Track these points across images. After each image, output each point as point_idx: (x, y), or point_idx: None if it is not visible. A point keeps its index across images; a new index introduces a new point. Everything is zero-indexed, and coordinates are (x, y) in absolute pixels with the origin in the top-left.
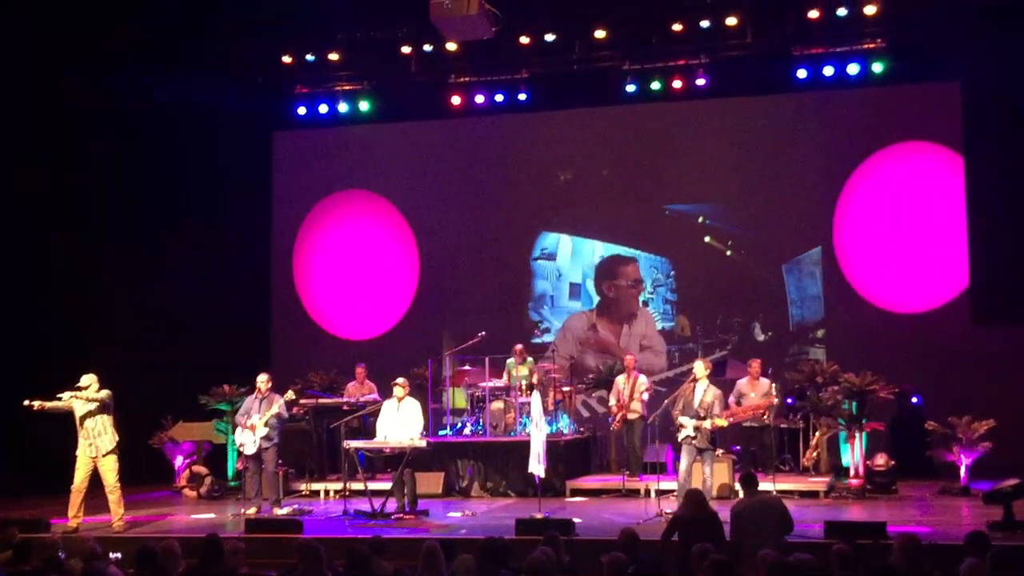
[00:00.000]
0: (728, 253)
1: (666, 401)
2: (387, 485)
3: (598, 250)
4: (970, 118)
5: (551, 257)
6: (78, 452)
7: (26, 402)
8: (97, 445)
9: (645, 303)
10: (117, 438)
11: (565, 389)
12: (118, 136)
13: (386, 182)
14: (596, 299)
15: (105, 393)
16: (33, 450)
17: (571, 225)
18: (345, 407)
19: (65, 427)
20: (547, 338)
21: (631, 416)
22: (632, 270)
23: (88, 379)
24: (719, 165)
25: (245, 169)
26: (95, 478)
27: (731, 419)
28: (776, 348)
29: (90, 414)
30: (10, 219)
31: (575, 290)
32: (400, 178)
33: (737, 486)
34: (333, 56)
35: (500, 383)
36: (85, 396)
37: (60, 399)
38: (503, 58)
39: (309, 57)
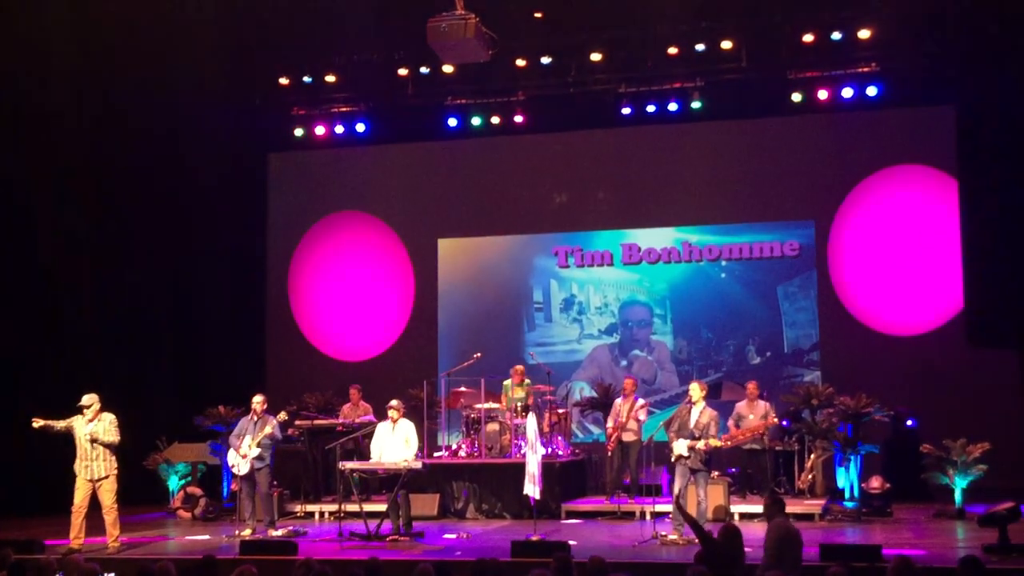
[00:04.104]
0: (722, 275)
1: (661, 423)
2: (382, 507)
3: (597, 274)
4: (964, 141)
5: (547, 279)
6: (76, 472)
7: (34, 422)
8: (92, 468)
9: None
10: (116, 464)
11: (560, 411)
12: (114, 155)
13: (382, 203)
14: (596, 325)
15: (114, 437)
16: (30, 469)
17: (566, 246)
18: (340, 428)
19: (64, 446)
20: (542, 359)
21: (627, 438)
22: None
23: (90, 399)
24: (713, 188)
25: (240, 190)
26: (95, 498)
27: (731, 442)
28: (771, 370)
29: (91, 440)
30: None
31: (568, 308)
32: (396, 199)
33: (747, 509)
34: (330, 78)
35: (496, 405)
36: (96, 431)
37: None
38: (499, 80)
39: (306, 79)
